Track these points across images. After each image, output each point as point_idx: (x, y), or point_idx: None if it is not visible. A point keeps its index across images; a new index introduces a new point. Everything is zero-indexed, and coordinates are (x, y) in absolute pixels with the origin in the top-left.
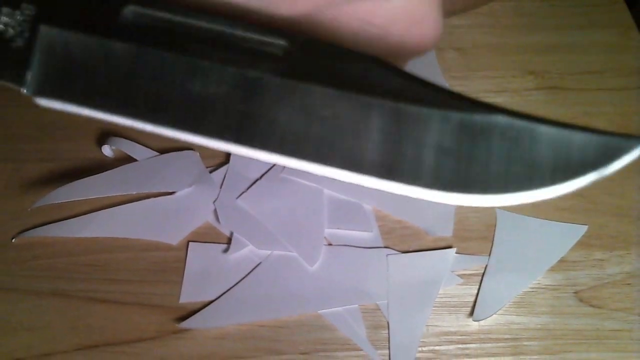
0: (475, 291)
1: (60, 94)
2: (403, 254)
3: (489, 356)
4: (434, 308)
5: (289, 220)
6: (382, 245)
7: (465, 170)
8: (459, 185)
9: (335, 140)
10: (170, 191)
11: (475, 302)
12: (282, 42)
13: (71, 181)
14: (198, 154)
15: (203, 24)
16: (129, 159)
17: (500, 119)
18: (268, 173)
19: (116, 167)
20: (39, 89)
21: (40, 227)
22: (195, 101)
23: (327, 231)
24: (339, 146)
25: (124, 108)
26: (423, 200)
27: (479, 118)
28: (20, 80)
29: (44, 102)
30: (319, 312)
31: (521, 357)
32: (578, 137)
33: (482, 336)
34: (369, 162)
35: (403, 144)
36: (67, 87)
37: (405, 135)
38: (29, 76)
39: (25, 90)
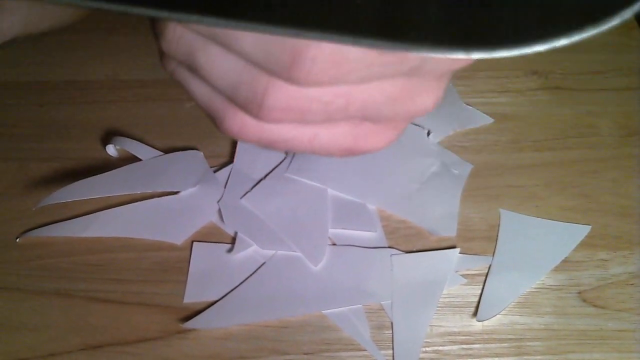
0: (479, 291)
1: None
2: (407, 254)
3: (492, 356)
4: (437, 308)
5: (293, 220)
6: (386, 245)
7: (475, 23)
8: (470, 40)
9: (331, 5)
10: (175, 191)
11: (479, 302)
12: None
13: (75, 181)
14: (202, 153)
15: None
16: (133, 159)
17: None
18: (272, 173)
19: (120, 166)
20: None
21: (44, 227)
22: None
23: (331, 231)
24: (335, 11)
25: None
26: (427, 200)
27: None
28: None
29: None
30: (322, 312)
31: (525, 357)
32: None
33: (485, 336)
34: (369, 26)
35: (404, 5)
36: None
37: None
38: None
39: None
